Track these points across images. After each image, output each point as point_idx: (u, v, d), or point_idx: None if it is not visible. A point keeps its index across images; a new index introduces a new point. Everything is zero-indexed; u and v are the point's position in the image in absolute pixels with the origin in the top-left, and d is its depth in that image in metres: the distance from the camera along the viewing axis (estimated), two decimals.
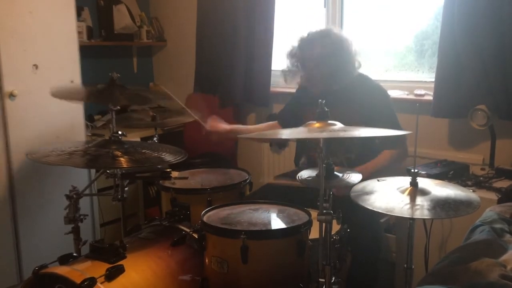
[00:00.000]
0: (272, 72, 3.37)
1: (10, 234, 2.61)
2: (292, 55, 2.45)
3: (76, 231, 2.13)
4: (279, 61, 3.42)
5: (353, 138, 2.36)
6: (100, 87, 2.21)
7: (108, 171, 2.27)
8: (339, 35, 2.40)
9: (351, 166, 2.35)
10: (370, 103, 2.38)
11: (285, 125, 2.56)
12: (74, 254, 1.80)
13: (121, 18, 3.70)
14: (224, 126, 2.64)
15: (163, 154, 2.00)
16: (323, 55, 2.35)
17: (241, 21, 3.38)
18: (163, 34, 4.09)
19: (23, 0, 2.57)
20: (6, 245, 2.60)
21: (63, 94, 2.21)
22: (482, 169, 2.57)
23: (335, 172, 1.73)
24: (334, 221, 1.61)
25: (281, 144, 3.26)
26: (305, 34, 2.43)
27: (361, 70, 2.57)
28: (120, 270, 1.62)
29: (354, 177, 1.73)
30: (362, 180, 1.73)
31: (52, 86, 2.23)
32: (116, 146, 1.96)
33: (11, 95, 2.54)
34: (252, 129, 2.85)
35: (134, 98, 2.28)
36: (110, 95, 2.16)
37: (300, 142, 2.67)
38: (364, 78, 2.50)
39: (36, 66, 2.64)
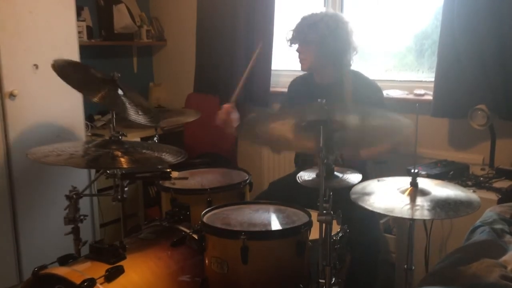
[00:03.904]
0: (272, 72, 3.37)
1: (10, 234, 2.61)
2: (295, 35, 2.47)
3: (76, 232, 2.13)
4: (280, 61, 3.43)
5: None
6: (98, 76, 2.18)
7: (108, 171, 2.26)
8: (342, 17, 2.46)
9: (346, 163, 2.36)
10: (364, 98, 2.38)
11: None
12: (74, 255, 1.80)
13: (121, 18, 3.70)
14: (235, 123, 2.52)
15: (163, 154, 2.00)
16: (327, 35, 2.38)
17: (241, 21, 3.38)
18: (163, 34, 4.09)
19: (23, 0, 2.57)
20: (6, 245, 2.60)
21: (62, 70, 2.14)
22: (482, 169, 2.57)
23: (335, 172, 1.73)
24: (334, 222, 1.61)
25: None
26: (309, 14, 2.46)
27: (361, 70, 2.59)
28: (120, 271, 1.62)
29: (353, 177, 1.74)
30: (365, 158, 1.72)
31: (56, 58, 2.17)
32: (116, 146, 1.96)
33: (11, 95, 2.54)
34: None
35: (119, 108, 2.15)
36: (99, 92, 2.09)
37: None
38: (356, 74, 2.52)
39: (36, 66, 2.64)
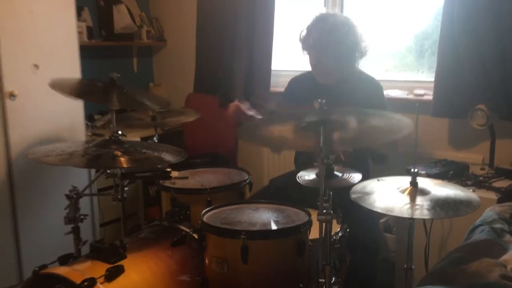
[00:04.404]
0: (272, 72, 3.37)
1: (10, 234, 2.61)
2: (313, 43, 2.46)
3: (76, 231, 2.13)
4: (280, 61, 3.44)
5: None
6: (99, 85, 2.21)
7: (108, 171, 2.27)
8: (353, 21, 2.46)
9: (348, 160, 2.36)
10: (367, 98, 2.39)
11: None
12: (74, 254, 1.80)
13: (121, 18, 3.70)
14: (246, 109, 2.51)
15: (163, 154, 2.00)
16: (346, 44, 2.39)
17: (241, 21, 3.38)
18: (163, 34, 4.09)
19: (23, 0, 2.58)
20: (6, 245, 2.60)
21: (61, 87, 2.20)
22: (482, 168, 2.58)
23: (335, 172, 1.73)
24: (334, 221, 1.61)
25: None
26: (324, 19, 2.45)
27: (361, 69, 2.59)
28: (120, 270, 1.62)
29: (353, 177, 1.74)
30: None
31: (53, 79, 2.21)
32: (116, 146, 1.96)
33: (11, 95, 2.54)
34: None
35: (130, 102, 2.28)
36: (107, 96, 2.16)
37: None
38: (358, 72, 2.52)
39: (36, 66, 2.64)
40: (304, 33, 2.50)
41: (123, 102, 2.19)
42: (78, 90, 2.31)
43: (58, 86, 2.18)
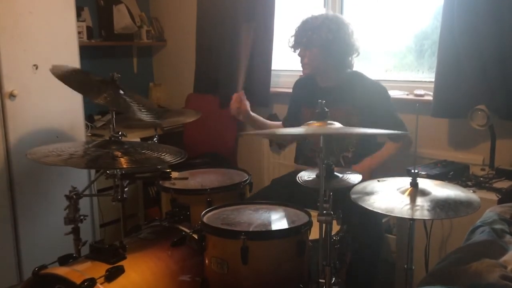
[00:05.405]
0: (272, 72, 3.37)
1: (10, 234, 2.61)
2: (298, 39, 2.46)
3: (76, 232, 2.13)
4: (279, 61, 3.43)
5: (351, 137, 2.37)
6: (99, 79, 2.18)
7: (108, 171, 2.27)
8: (343, 19, 2.46)
9: (348, 165, 2.37)
10: (369, 100, 2.39)
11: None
12: (74, 255, 1.80)
13: (121, 18, 3.70)
14: (248, 108, 2.56)
15: (163, 154, 2.00)
16: (330, 39, 2.37)
17: (241, 21, 3.38)
18: (163, 34, 4.09)
19: (23, 0, 2.58)
20: (6, 245, 2.60)
21: (61, 74, 2.16)
22: (482, 169, 2.57)
23: (335, 173, 1.73)
24: (334, 222, 1.61)
25: (281, 144, 3.27)
26: (310, 17, 2.45)
27: (361, 70, 2.59)
28: (120, 271, 1.62)
29: (353, 178, 1.74)
30: (367, 174, 1.75)
31: (54, 64, 2.20)
32: (116, 147, 1.96)
33: (11, 95, 2.54)
34: (268, 124, 2.80)
35: (118, 104, 2.17)
36: (100, 91, 2.12)
37: (300, 142, 2.67)
38: (360, 76, 2.52)
39: (36, 66, 2.64)
40: (292, 34, 2.51)
41: (113, 102, 2.13)
42: (77, 79, 2.25)
43: (58, 72, 2.14)
